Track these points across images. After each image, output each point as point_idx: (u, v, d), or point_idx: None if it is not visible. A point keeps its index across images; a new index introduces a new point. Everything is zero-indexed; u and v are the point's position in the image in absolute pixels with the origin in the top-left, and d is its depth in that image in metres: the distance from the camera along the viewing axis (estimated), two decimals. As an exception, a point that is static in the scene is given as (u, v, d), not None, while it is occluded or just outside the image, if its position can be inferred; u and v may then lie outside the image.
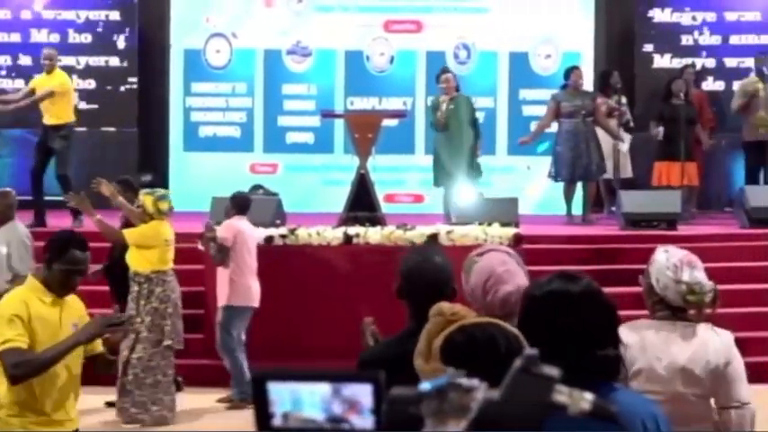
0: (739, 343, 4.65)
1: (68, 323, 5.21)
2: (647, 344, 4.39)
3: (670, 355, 4.39)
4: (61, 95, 13.28)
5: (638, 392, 3.55)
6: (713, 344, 4.47)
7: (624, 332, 4.30)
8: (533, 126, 15.22)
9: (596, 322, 3.22)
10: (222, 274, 10.32)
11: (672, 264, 4.44)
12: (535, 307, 3.27)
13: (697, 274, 4.43)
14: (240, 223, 10.43)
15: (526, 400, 1.76)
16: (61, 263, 5.17)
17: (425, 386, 1.82)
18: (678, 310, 4.46)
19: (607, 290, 3.37)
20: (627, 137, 14.98)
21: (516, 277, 4.32)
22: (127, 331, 5.87)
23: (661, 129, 14.12)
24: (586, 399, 1.77)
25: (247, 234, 10.45)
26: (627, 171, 14.92)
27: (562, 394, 1.76)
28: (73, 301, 5.36)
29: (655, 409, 3.35)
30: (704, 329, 4.49)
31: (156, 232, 9.68)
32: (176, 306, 9.80)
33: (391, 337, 4.54)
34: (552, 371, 1.77)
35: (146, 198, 9.78)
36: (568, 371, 3.07)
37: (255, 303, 10.35)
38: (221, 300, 10.31)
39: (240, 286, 10.26)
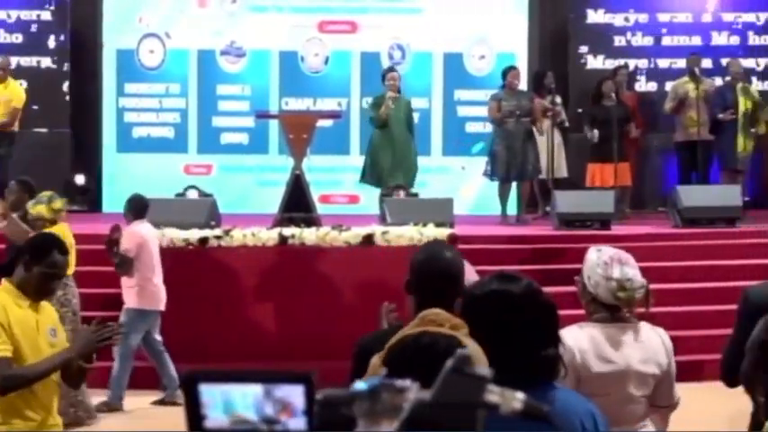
0: (675, 342, 4.68)
1: (45, 329, 5.07)
2: (598, 347, 4.39)
3: (622, 357, 4.40)
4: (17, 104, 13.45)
5: (576, 392, 3.55)
6: (658, 344, 4.50)
7: (572, 335, 4.32)
8: (471, 127, 15.32)
9: (537, 322, 3.22)
10: (126, 278, 10.17)
11: (602, 261, 4.46)
12: (476, 307, 3.27)
13: (627, 270, 4.44)
14: (141, 229, 10.22)
15: (458, 400, 1.76)
16: (42, 266, 5.02)
17: (357, 387, 1.81)
18: (612, 309, 4.48)
19: (545, 290, 3.39)
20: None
21: (467, 275, 4.34)
22: (116, 341, 5.61)
23: (596, 132, 14.22)
24: (518, 398, 1.78)
25: (149, 239, 10.25)
26: (562, 171, 14.99)
27: (494, 394, 1.75)
28: (47, 305, 5.22)
29: (593, 408, 3.36)
30: (645, 329, 4.51)
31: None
32: (76, 311, 9.61)
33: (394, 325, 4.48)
34: (483, 371, 1.77)
35: (38, 208, 9.51)
36: (509, 371, 3.09)
37: (162, 306, 10.24)
38: (127, 302, 10.16)
39: (147, 290, 10.08)
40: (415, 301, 3.94)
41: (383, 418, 1.78)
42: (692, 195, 13.69)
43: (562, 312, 3.38)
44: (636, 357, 4.41)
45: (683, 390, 4.64)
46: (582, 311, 4.62)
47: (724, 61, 15.96)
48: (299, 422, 1.82)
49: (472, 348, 2.98)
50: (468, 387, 1.75)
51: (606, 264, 4.45)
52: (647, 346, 4.46)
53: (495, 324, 3.19)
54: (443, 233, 11.22)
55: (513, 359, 3.14)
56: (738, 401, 5.07)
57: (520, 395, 1.77)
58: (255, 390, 1.83)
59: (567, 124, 14.97)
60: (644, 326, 4.52)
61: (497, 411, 1.76)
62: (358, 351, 4.19)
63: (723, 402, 6.01)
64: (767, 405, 2.69)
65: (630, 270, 4.45)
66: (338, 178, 16.04)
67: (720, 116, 14.42)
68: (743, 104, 14.54)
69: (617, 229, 13.18)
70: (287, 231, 11.29)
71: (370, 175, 13.87)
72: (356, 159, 15.69)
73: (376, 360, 3.28)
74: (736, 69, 14.89)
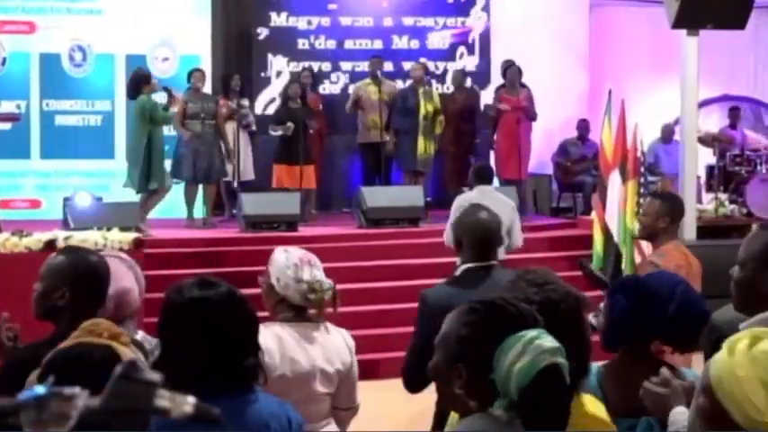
0: (360, 341, 4.74)
1: None
2: (284, 347, 4.39)
3: (307, 356, 4.41)
4: None
5: (274, 395, 3.55)
6: (341, 343, 4.54)
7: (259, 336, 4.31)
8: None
9: (237, 330, 3.21)
10: None
11: (292, 263, 4.48)
12: (175, 314, 3.22)
13: (316, 272, 4.48)
14: None
15: (128, 405, 1.72)
16: None
17: (23, 396, 1.75)
18: (299, 309, 4.50)
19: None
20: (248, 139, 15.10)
21: (120, 280, 4.26)
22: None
23: (290, 124, 14.19)
24: (189, 402, 1.76)
25: None
26: (248, 173, 14.99)
27: (164, 399, 1.73)
28: None
29: (289, 410, 3.40)
30: (329, 329, 4.55)
31: None
32: None
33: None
34: (153, 376, 1.73)
35: None
36: (209, 378, 3.05)
37: None
38: None
39: None
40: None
41: (50, 426, 1.73)
42: (376, 196, 13.96)
43: (260, 314, 3.37)
44: (321, 356, 4.45)
45: (362, 389, 4.70)
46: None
47: (406, 65, 16.38)
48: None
49: (130, 356, 2.94)
50: (137, 393, 1.73)
51: (296, 266, 4.47)
52: (332, 346, 4.50)
53: (194, 331, 3.15)
54: (128, 238, 11.03)
55: (212, 366, 3.11)
56: (418, 401, 5.19)
57: (191, 399, 1.75)
58: None
59: (254, 127, 15.00)
60: (328, 326, 4.56)
61: (168, 416, 1.74)
62: (7, 366, 4.02)
63: (403, 402, 6.13)
64: (464, 398, 2.74)
65: (319, 272, 4.50)
66: (18, 183, 15.54)
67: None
68: (424, 108, 14.92)
69: (303, 231, 13.30)
70: (-37, 239, 10.83)
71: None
72: (37, 164, 15.27)
73: (33, 378, 3.17)
74: (417, 73, 15.26)
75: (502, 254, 10.72)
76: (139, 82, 13.39)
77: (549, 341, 2.66)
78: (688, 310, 3.81)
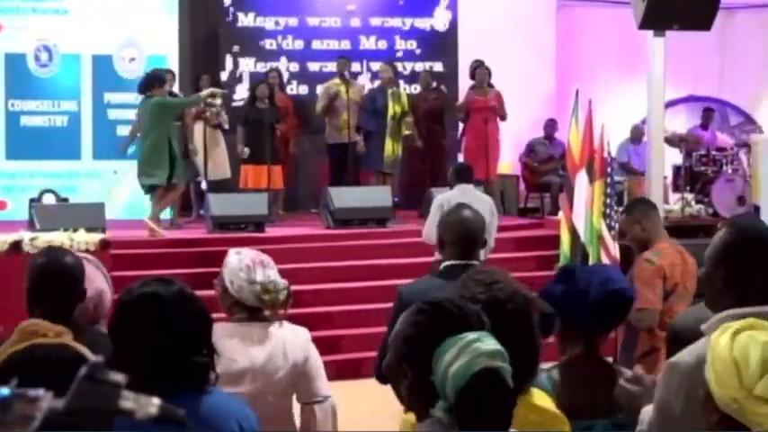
0: (331, 341, 4.74)
1: None
2: (225, 347, 4.38)
3: (249, 356, 4.40)
4: None
5: (229, 394, 3.54)
6: (290, 341, 4.53)
7: None
8: (122, 130, 15.08)
9: (189, 328, 3.19)
10: None
11: (245, 265, 4.48)
12: (127, 312, 3.20)
13: (270, 272, 4.48)
14: None
15: (92, 407, 1.71)
16: None
17: (-14, 398, 1.73)
18: (255, 310, 4.50)
19: (199, 293, 3.34)
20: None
21: (95, 282, 4.25)
22: None
23: (246, 150, 14.28)
24: (153, 403, 1.74)
25: None
26: (222, 173, 14.82)
27: (128, 400, 1.72)
28: None
29: (245, 408, 3.39)
30: (281, 328, 4.54)
31: None
32: None
33: None
34: (118, 377, 1.72)
35: None
36: (160, 376, 3.03)
37: None
38: None
39: None
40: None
41: (15, 427, 1.71)
42: (344, 197, 13.95)
43: (220, 315, 3.36)
44: (263, 355, 4.44)
45: (342, 388, 4.70)
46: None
47: (374, 65, 16.38)
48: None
49: (87, 354, 2.92)
50: (102, 394, 1.71)
51: (249, 267, 4.47)
52: (280, 344, 4.49)
53: (145, 329, 3.13)
54: (95, 238, 10.99)
55: (164, 365, 3.09)
56: (394, 400, 5.17)
57: (155, 400, 1.74)
58: None
59: (226, 126, 14.88)
60: (283, 324, 4.56)
61: (133, 417, 1.73)
62: None
63: (384, 400, 6.12)
64: (409, 398, 2.75)
65: (272, 272, 4.49)
66: (-17, 184, 15.46)
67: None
68: (392, 109, 14.93)
69: (271, 231, 13.27)
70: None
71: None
72: (3, 165, 15.20)
73: None
74: (386, 74, 15.26)
75: (483, 256, 10.83)
76: (153, 81, 13.25)
77: (488, 344, 2.63)
78: (608, 300, 3.89)
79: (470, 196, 10.11)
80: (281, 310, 4.55)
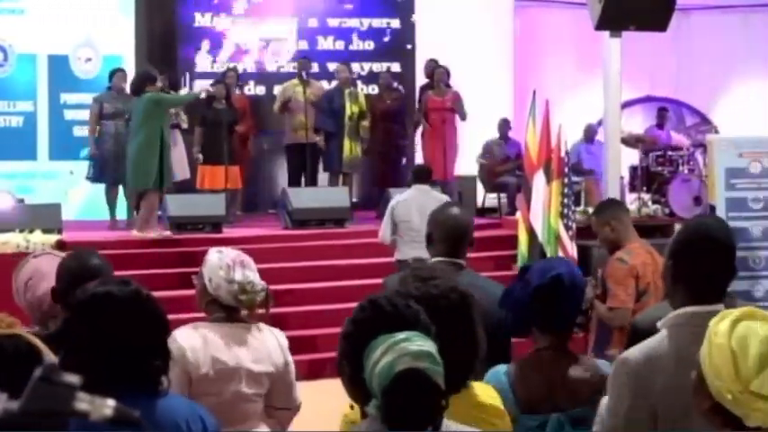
0: (290, 342, 4.73)
1: None
2: (209, 346, 4.37)
3: (233, 356, 4.39)
4: None
5: (182, 396, 3.52)
6: (273, 344, 4.53)
7: (184, 335, 4.32)
8: (79, 131, 15.02)
9: (143, 329, 3.16)
10: None
11: (225, 264, 4.48)
12: (80, 311, 3.16)
13: (249, 273, 4.48)
14: None
15: (47, 408, 1.69)
16: None
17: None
18: (232, 310, 4.49)
19: (156, 294, 3.32)
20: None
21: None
22: None
23: (201, 156, 14.27)
24: (108, 405, 1.73)
25: None
26: (183, 172, 14.73)
27: (83, 402, 1.70)
28: None
29: (200, 410, 3.35)
30: (262, 330, 4.54)
31: None
32: None
33: None
34: (72, 379, 1.71)
35: None
36: (114, 378, 3.00)
37: None
38: None
39: None
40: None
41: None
42: (302, 197, 13.94)
43: (185, 316, 3.34)
44: (249, 357, 4.44)
45: (305, 388, 4.69)
46: (198, 315, 4.63)
47: (331, 66, 16.36)
48: None
49: (39, 345, 2.90)
50: (57, 395, 1.70)
51: (229, 266, 4.47)
52: (262, 346, 4.49)
53: (99, 330, 3.10)
54: (51, 239, 10.93)
55: (118, 366, 3.06)
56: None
57: (110, 402, 1.72)
58: None
59: (185, 126, 14.79)
60: (261, 326, 4.56)
61: (88, 419, 1.72)
62: None
63: (339, 402, 6.11)
64: (350, 395, 2.77)
65: (251, 273, 4.49)
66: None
67: None
68: (349, 109, 14.91)
69: (229, 232, 13.23)
70: None
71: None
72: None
73: None
74: (342, 75, 15.23)
75: None
76: (145, 80, 13.11)
77: (416, 344, 2.63)
78: (547, 286, 3.93)
79: (427, 196, 10.15)
80: (260, 311, 4.55)
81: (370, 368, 2.62)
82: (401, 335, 2.64)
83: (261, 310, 4.55)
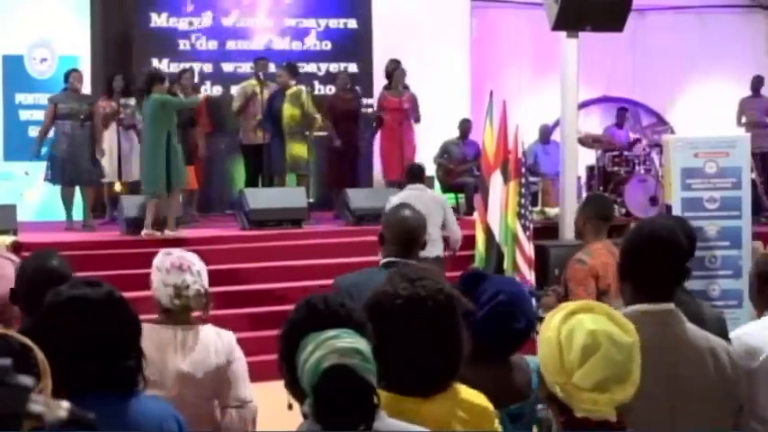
0: (244, 343, 4.71)
1: None
2: (147, 350, 4.34)
3: (171, 359, 4.37)
4: None
5: (157, 397, 3.51)
6: (214, 345, 4.50)
7: None
8: (34, 131, 14.90)
9: (117, 331, 3.16)
10: None
11: (164, 266, 4.47)
12: (55, 314, 3.15)
13: (187, 276, 4.45)
14: None
15: (1, 410, 1.68)
16: None
17: None
18: (174, 312, 4.47)
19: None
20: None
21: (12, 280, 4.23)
22: None
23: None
24: (63, 407, 1.72)
25: None
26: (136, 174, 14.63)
27: (38, 404, 1.69)
28: None
29: (174, 411, 3.37)
30: (205, 331, 4.52)
31: None
32: None
33: None
34: (27, 381, 1.69)
35: None
36: (88, 380, 2.99)
37: None
38: None
39: None
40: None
41: None
42: (258, 198, 13.91)
43: (144, 317, 3.33)
44: (185, 359, 4.41)
45: (261, 389, 4.68)
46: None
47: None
48: None
49: (31, 344, 2.88)
50: (11, 398, 1.68)
51: (167, 270, 4.45)
52: (202, 348, 4.47)
53: (72, 331, 3.09)
54: (7, 241, 10.85)
55: (92, 368, 3.05)
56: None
57: (65, 404, 1.71)
58: None
59: (139, 126, 14.70)
60: (205, 328, 4.54)
61: (43, 421, 1.70)
62: None
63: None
64: (292, 392, 2.78)
65: (190, 277, 4.45)
66: None
67: None
68: (286, 111, 14.68)
69: (185, 233, 13.17)
70: None
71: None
72: None
73: None
74: (281, 79, 14.90)
75: (440, 251, 11.12)
76: (153, 80, 13.00)
77: (345, 341, 2.64)
78: (494, 323, 3.86)
79: (422, 196, 10.41)
80: (197, 313, 4.53)
81: (300, 366, 2.64)
82: (330, 332, 2.65)
83: (198, 312, 4.54)
